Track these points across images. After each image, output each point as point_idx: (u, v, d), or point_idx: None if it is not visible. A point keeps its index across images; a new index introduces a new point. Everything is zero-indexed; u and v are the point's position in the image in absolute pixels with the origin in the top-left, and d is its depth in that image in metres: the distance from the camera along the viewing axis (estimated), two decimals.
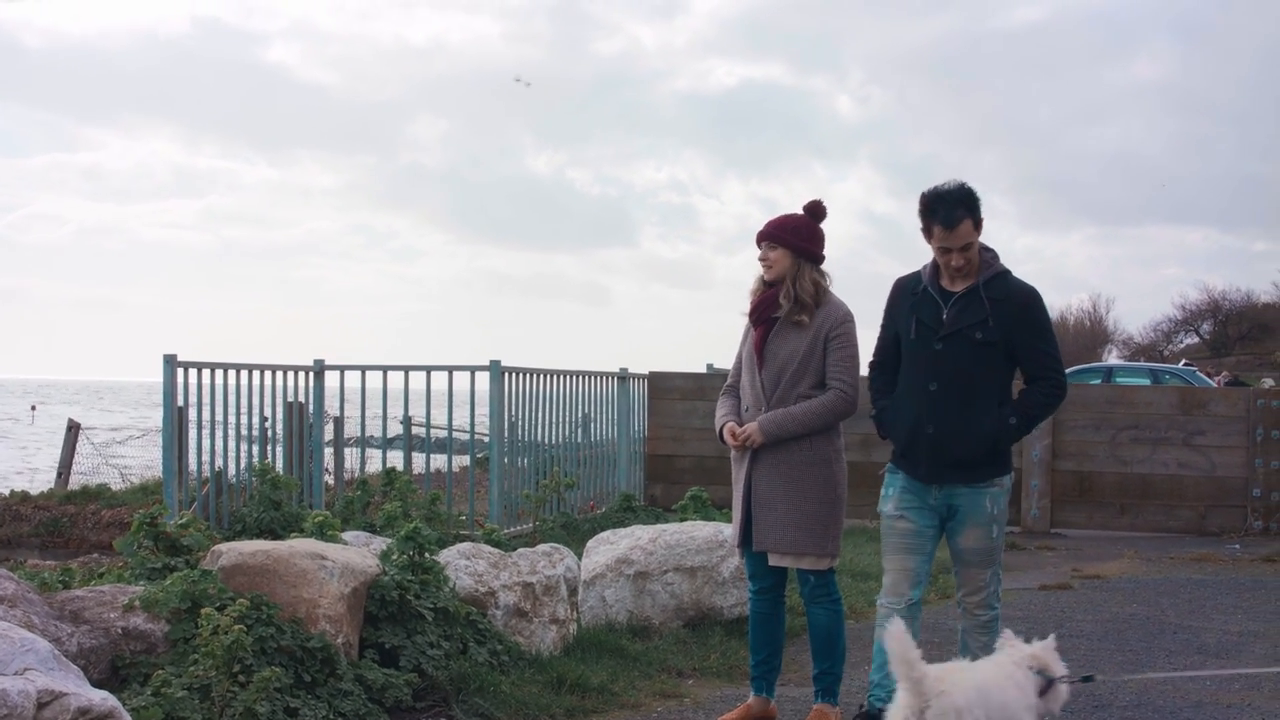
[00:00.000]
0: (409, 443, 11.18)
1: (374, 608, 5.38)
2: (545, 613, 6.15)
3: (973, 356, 4.64)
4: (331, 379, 10.61)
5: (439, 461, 14.56)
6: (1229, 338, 51.31)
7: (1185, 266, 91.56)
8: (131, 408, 60.30)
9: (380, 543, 6.52)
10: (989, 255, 4.74)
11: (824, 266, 5.08)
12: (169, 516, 6.46)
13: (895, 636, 3.77)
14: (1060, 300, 58.09)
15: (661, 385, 13.61)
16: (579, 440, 12.15)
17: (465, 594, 5.91)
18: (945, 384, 4.65)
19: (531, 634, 6.04)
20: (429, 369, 10.64)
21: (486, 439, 11.37)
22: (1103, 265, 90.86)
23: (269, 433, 9.89)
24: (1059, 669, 4.10)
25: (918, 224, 4.73)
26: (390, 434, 11.90)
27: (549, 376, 11.32)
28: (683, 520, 7.96)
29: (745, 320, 5.21)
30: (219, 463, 9.52)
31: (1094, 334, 54.69)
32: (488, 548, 6.40)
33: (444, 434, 11.39)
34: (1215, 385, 22.74)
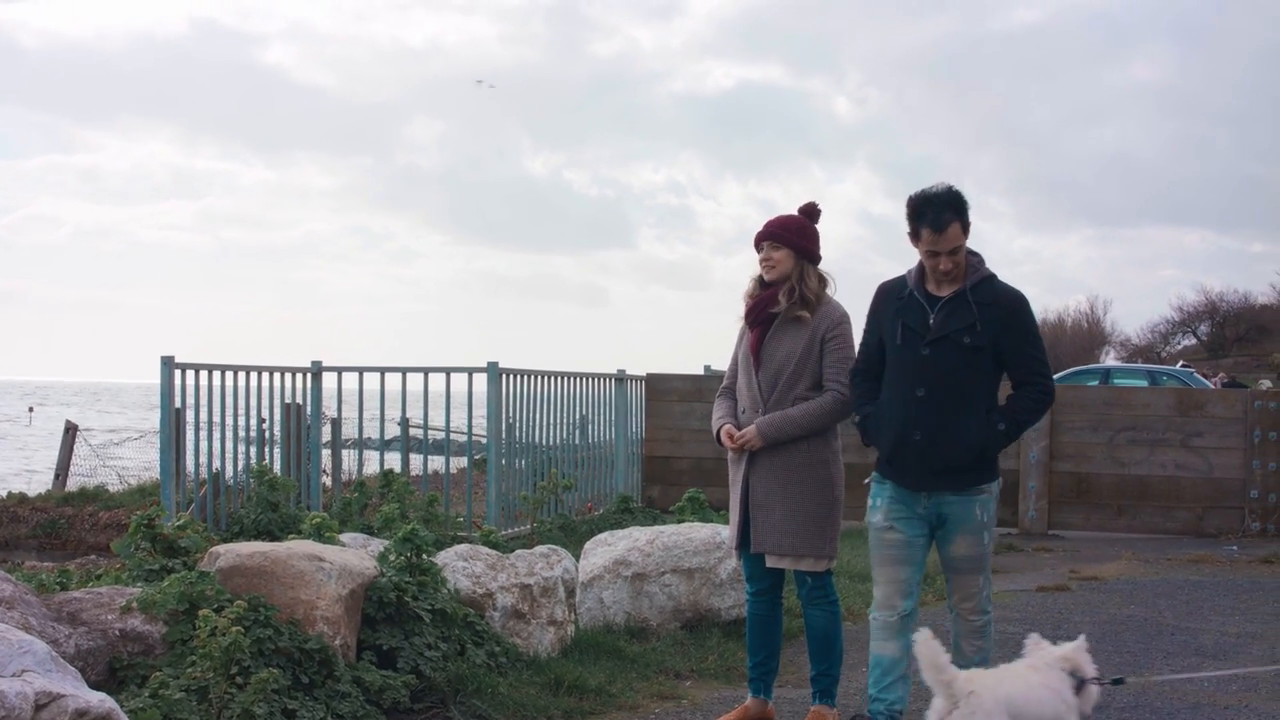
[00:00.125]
0: (406, 444, 11.18)
1: (371, 609, 5.37)
2: (543, 614, 6.15)
3: (961, 361, 4.57)
4: (329, 380, 10.63)
5: (436, 463, 14.59)
6: (1226, 339, 51.37)
7: (1183, 268, 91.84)
8: (129, 409, 60.21)
9: (378, 544, 6.52)
10: (975, 259, 4.69)
11: (822, 267, 5.11)
12: (166, 518, 6.44)
13: (923, 643, 3.81)
14: (1058, 301, 58.36)
15: (659, 387, 13.61)
16: (576, 442, 12.16)
17: (463, 596, 5.91)
18: (933, 389, 4.58)
19: (529, 635, 6.03)
20: (426, 370, 10.65)
21: (484, 440, 11.37)
22: (1100, 267, 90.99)
23: (266, 434, 9.90)
24: (1090, 670, 4.11)
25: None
26: (388, 435, 11.91)
27: (546, 378, 11.33)
28: (680, 522, 7.95)
29: (741, 322, 5.22)
30: (217, 464, 9.53)
31: (1091, 335, 54.71)
32: (485, 549, 6.40)
33: (441, 435, 11.40)
34: (1213, 387, 22.77)
